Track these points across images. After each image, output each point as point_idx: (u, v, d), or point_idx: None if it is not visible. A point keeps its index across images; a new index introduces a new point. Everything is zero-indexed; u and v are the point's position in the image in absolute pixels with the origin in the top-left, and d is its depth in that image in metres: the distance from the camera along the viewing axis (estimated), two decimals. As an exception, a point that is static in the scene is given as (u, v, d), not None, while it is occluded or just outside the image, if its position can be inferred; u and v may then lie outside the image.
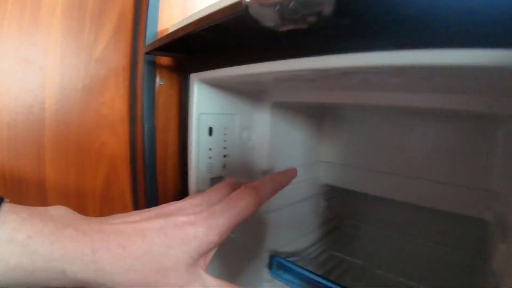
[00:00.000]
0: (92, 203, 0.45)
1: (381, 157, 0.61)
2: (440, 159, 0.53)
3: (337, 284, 0.48)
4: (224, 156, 0.48)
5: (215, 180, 0.48)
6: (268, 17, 0.26)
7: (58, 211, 0.21)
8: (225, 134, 0.48)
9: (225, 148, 0.48)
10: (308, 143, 0.64)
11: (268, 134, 0.52)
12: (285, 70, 0.31)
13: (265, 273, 0.60)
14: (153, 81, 0.45)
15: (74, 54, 0.43)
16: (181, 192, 0.50)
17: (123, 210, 0.49)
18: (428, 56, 0.22)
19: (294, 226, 0.65)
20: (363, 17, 0.25)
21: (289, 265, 0.57)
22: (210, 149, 0.46)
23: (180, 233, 0.22)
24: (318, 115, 0.66)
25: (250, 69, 0.34)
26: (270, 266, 0.60)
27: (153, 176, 0.45)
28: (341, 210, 0.80)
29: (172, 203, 0.26)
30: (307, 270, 0.54)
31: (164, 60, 0.47)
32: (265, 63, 0.32)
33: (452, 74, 0.26)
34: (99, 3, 0.45)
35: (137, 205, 0.47)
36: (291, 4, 0.23)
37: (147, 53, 0.43)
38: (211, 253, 0.25)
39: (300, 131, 0.61)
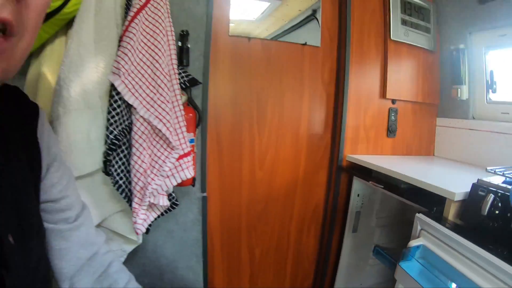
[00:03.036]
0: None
1: None
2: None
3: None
4: None
5: None
6: None
7: None
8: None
9: None
10: None
11: None
12: None
13: (371, 256, 1.36)
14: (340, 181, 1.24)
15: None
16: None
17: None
18: None
19: (391, 233, 1.39)
20: None
21: (382, 252, 1.32)
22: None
23: None
24: None
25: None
26: (373, 251, 1.36)
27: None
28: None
29: None
30: (389, 256, 1.28)
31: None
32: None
33: None
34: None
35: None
36: None
37: (339, 169, 1.21)
38: None
39: None
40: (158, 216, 1.02)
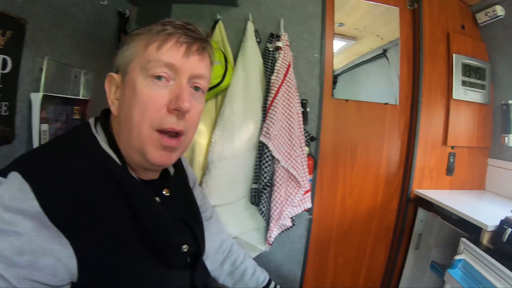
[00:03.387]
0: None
1: None
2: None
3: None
4: None
5: None
6: None
7: None
8: None
9: None
10: None
11: None
12: None
13: (428, 270, 2.00)
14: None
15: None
16: None
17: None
18: None
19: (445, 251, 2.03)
20: None
21: (437, 267, 1.98)
22: None
23: None
24: None
25: None
26: (430, 266, 2.01)
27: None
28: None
29: None
30: (443, 270, 1.93)
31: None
32: None
33: None
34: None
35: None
36: None
37: (408, 200, 1.85)
38: None
39: None
40: (280, 232, 1.70)
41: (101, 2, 1.43)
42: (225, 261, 1.04)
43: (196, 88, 0.69)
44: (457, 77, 1.89)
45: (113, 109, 0.69)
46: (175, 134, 0.66)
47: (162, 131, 0.64)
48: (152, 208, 0.67)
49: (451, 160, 1.90)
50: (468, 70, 1.93)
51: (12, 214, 0.50)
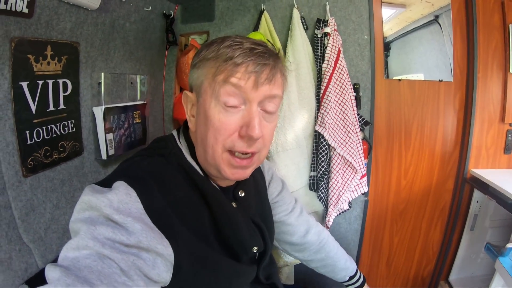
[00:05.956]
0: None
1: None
2: None
3: None
4: None
5: None
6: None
7: None
8: None
9: None
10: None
11: None
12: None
13: (482, 251, 1.95)
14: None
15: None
16: None
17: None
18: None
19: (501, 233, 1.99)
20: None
21: (492, 248, 1.93)
22: None
23: None
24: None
25: None
26: (485, 247, 1.97)
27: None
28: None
29: None
30: (497, 252, 1.89)
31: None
32: None
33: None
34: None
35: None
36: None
37: (464, 180, 1.81)
38: None
39: None
40: (337, 215, 1.73)
41: (145, 9, 1.48)
42: (320, 251, 1.09)
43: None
44: (514, 49, 1.78)
45: (191, 125, 0.74)
46: (247, 154, 0.68)
47: (234, 152, 0.67)
48: (229, 214, 0.74)
49: (509, 138, 1.84)
50: (526, 38, 1.82)
51: (123, 216, 0.55)
